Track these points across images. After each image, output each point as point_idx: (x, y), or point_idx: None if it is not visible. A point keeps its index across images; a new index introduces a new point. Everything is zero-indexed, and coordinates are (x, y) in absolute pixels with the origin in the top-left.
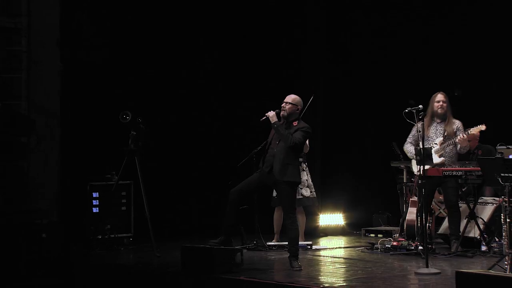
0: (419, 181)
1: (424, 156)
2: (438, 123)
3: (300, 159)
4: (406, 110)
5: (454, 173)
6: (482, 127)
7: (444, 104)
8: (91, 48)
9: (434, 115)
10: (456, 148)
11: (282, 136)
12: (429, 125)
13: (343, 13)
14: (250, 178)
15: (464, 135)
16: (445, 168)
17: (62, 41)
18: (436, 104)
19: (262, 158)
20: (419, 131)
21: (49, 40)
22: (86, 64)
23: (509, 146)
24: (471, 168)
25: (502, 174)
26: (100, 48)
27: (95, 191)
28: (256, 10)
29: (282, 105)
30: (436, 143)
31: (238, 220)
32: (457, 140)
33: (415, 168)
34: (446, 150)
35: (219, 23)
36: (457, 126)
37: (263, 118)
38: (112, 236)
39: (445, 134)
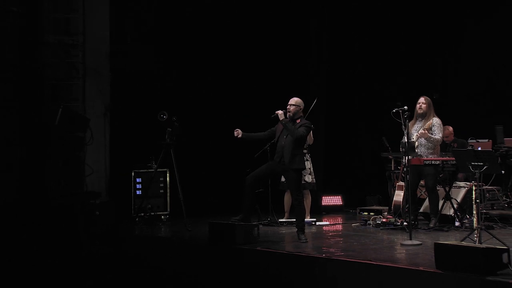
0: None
1: (408, 148)
2: (420, 121)
3: (305, 150)
4: (394, 110)
5: (433, 162)
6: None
7: (423, 105)
8: (135, 60)
9: (416, 115)
10: (429, 141)
11: (289, 131)
12: (414, 123)
13: (343, 28)
14: (263, 166)
15: (423, 131)
16: (426, 158)
17: (111, 53)
18: (417, 106)
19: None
20: (405, 128)
21: (101, 53)
22: (130, 73)
23: (479, 140)
24: (447, 158)
25: (473, 163)
26: (142, 60)
27: (138, 177)
28: (273, 29)
29: (287, 107)
30: (413, 138)
31: (254, 201)
32: (418, 133)
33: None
34: (421, 143)
35: (246, 40)
36: (432, 123)
37: (273, 115)
38: (152, 213)
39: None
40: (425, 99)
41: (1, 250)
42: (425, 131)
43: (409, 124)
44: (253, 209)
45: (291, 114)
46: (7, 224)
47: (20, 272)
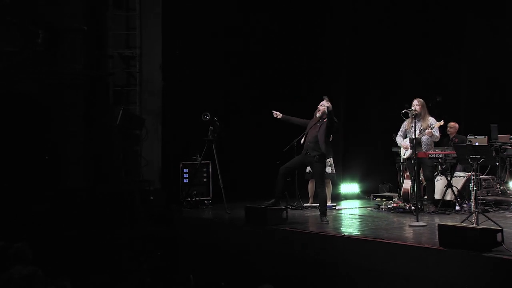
0: (406, 162)
1: (415, 144)
2: (417, 120)
3: None
4: (403, 111)
5: (437, 155)
6: (441, 123)
7: (417, 107)
8: (183, 70)
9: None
10: (430, 138)
11: (330, 114)
12: (411, 122)
13: (359, 34)
14: (294, 159)
15: (430, 130)
16: (429, 152)
17: (163, 64)
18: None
19: (301, 144)
20: (407, 127)
21: (154, 64)
22: (179, 81)
23: (476, 136)
24: (448, 151)
25: (471, 156)
26: (190, 70)
27: (185, 168)
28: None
29: (318, 106)
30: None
31: (284, 188)
32: (426, 133)
33: (402, 152)
34: (423, 139)
35: (274, 47)
36: (430, 122)
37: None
38: (197, 199)
39: (421, 128)
40: (418, 101)
41: (72, 229)
42: (431, 130)
43: (405, 123)
44: (282, 195)
45: (320, 114)
46: (76, 207)
47: (85, 247)
